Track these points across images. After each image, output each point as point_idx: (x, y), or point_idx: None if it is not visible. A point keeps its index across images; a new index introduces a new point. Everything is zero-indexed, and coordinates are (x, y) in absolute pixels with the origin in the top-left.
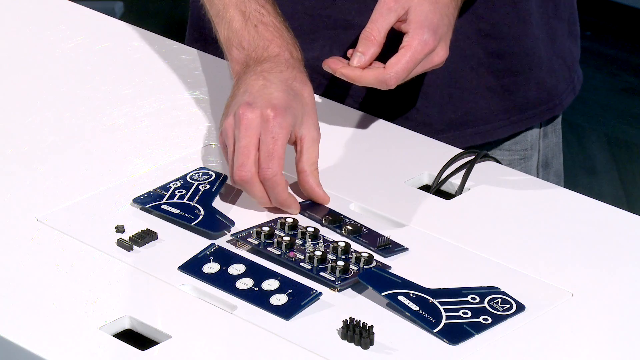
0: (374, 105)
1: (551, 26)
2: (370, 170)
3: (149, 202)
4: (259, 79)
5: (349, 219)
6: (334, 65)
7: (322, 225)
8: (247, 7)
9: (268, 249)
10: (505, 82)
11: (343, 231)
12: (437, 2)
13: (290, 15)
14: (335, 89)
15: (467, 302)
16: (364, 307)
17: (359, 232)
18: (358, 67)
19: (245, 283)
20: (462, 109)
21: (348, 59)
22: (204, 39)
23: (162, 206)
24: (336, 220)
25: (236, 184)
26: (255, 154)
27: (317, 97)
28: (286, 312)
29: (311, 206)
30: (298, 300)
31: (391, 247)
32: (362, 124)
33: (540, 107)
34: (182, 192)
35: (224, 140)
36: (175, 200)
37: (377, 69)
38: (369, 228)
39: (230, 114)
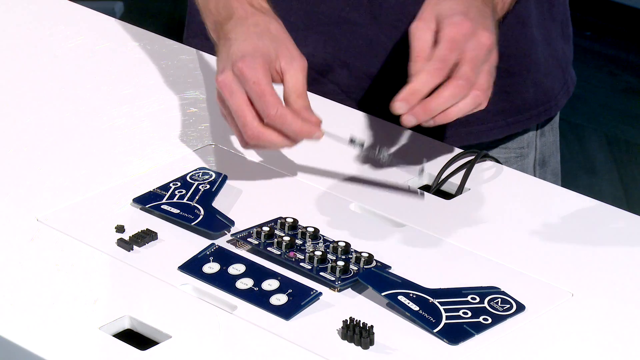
0: (372, 104)
1: (546, 27)
2: (371, 170)
3: (149, 202)
4: (224, 44)
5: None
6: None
7: (351, 142)
8: None
9: (268, 249)
10: (503, 83)
11: (376, 151)
12: (464, 2)
13: (285, 11)
14: (329, 85)
15: (467, 302)
16: (364, 307)
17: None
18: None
19: (245, 283)
20: None
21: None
22: (203, 33)
23: (162, 206)
24: (361, 143)
25: (252, 148)
26: (251, 109)
27: (315, 96)
28: (286, 312)
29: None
30: (298, 300)
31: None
32: (362, 124)
33: (537, 109)
34: (182, 192)
35: (229, 119)
36: (175, 200)
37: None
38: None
39: (217, 94)
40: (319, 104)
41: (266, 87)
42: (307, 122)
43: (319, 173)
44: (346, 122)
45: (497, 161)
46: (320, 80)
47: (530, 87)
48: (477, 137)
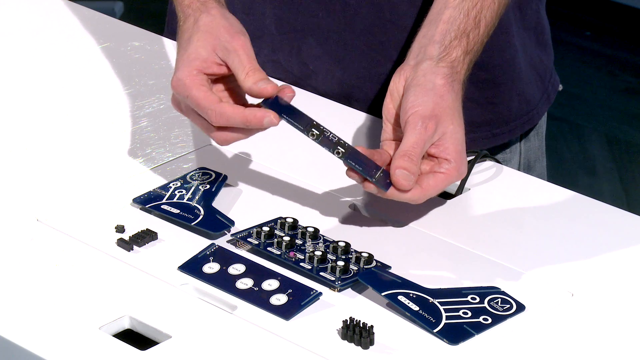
0: (367, 103)
1: (520, 36)
2: None
3: (149, 202)
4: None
5: (339, 138)
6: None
7: (305, 133)
8: None
9: (268, 249)
10: (489, 94)
11: (333, 150)
12: (462, 126)
13: (257, 16)
14: (307, 88)
15: (467, 302)
16: (364, 307)
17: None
18: (407, 187)
19: (245, 283)
20: None
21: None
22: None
23: (162, 206)
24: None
25: (224, 141)
26: (198, 117)
27: (315, 96)
28: (286, 312)
29: (291, 113)
30: (298, 300)
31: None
32: (362, 124)
33: (521, 119)
34: (182, 192)
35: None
36: (175, 200)
37: (415, 187)
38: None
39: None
40: (324, 106)
41: (197, 93)
42: (253, 110)
43: (319, 173)
44: (352, 125)
45: (497, 161)
46: (299, 84)
47: (515, 97)
48: None
